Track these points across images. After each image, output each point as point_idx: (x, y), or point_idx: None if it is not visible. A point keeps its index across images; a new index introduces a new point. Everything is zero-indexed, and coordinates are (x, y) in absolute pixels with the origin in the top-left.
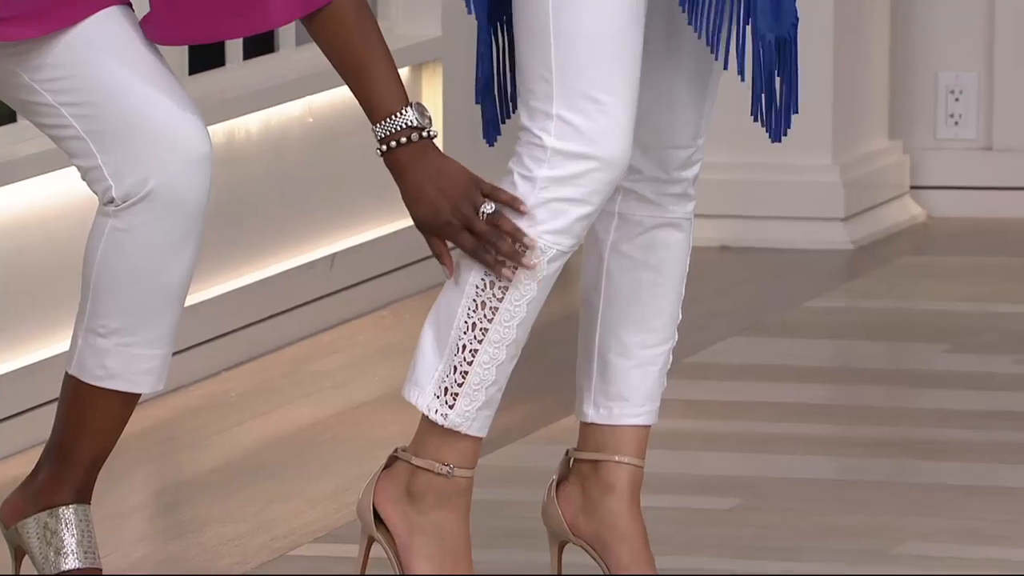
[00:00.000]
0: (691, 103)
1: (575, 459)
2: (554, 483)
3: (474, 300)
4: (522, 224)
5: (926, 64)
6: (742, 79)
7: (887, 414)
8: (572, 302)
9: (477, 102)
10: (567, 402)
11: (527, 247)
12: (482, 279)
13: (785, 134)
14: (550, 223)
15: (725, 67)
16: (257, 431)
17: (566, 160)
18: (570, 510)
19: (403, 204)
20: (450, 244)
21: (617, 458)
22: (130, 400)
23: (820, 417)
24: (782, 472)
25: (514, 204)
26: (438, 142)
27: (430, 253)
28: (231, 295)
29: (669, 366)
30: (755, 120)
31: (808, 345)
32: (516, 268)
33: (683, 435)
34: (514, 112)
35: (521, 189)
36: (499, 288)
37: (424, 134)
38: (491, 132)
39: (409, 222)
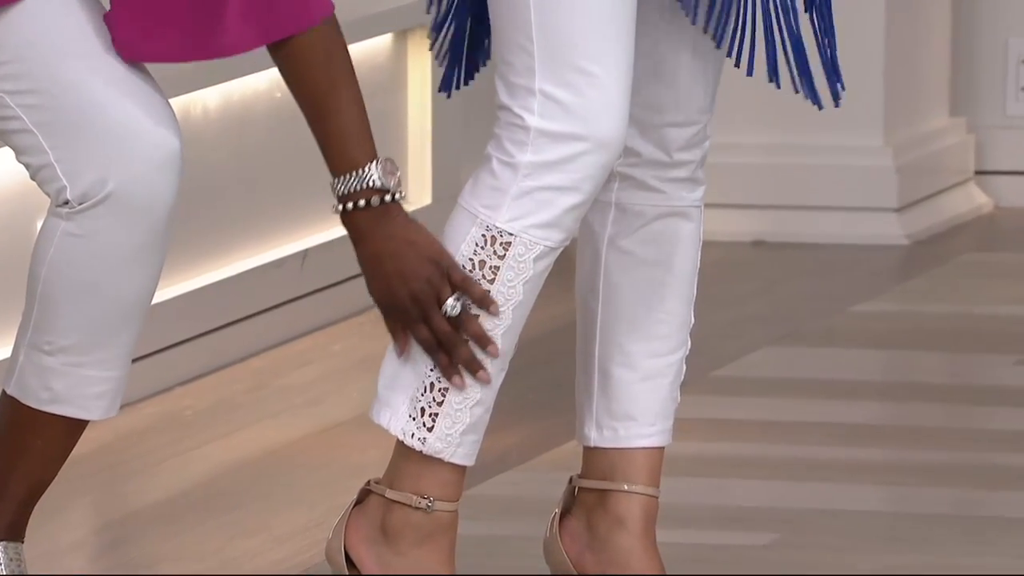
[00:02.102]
0: (694, 71)
1: (580, 488)
2: (557, 516)
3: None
4: (502, 219)
5: (994, 29)
6: (737, 66)
7: (948, 436)
8: None
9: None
10: (574, 422)
11: (491, 356)
12: None
13: (838, 101)
14: (536, 215)
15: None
16: (216, 455)
17: (552, 142)
18: (575, 547)
19: None
20: None
21: (627, 487)
22: (77, 427)
23: (870, 440)
24: (825, 503)
25: (485, 303)
26: (426, 119)
27: None
28: (186, 297)
29: (683, 378)
30: (796, 89)
31: (856, 356)
32: (470, 377)
33: (709, 460)
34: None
35: (502, 177)
36: None
37: (388, 198)
38: (447, 86)
39: None
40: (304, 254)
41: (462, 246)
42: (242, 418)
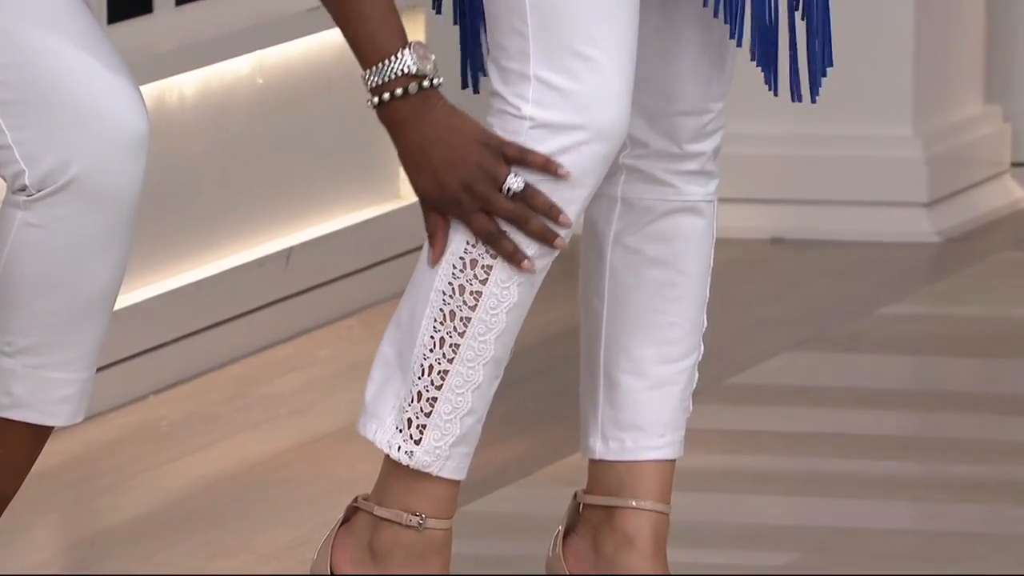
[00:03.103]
0: (706, 55)
1: (585, 504)
2: (560, 534)
3: (440, 310)
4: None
5: None
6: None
7: (981, 448)
8: None
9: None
10: (578, 433)
11: (563, 225)
12: (449, 283)
13: (816, 95)
14: None
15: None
16: (194, 469)
17: (549, 133)
18: (580, 567)
19: (374, 187)
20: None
21: (635, 503)
22: (40, 434)
23: (897, 452)
24: (850, 520)
25: (550, 168)
26: None
27: (408, 249)
28: (161, 299)
29: (695, 385)
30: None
31: (882, 362)
32: (539, 258)
33: (724, 474)
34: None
35: None
36: (471, 294)
37: (426, 83)
38: (468, 85)
39: (382, 210)
40: (288, 252)
41: (452, 244)
42: (221, 429)
